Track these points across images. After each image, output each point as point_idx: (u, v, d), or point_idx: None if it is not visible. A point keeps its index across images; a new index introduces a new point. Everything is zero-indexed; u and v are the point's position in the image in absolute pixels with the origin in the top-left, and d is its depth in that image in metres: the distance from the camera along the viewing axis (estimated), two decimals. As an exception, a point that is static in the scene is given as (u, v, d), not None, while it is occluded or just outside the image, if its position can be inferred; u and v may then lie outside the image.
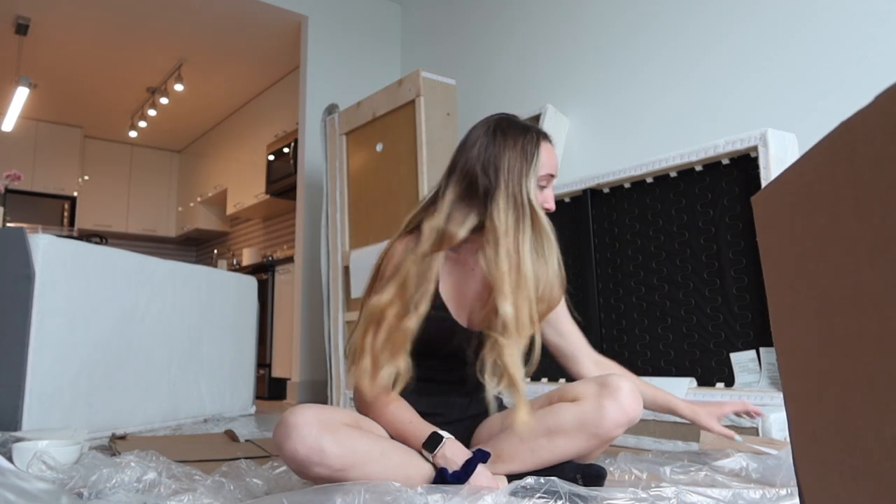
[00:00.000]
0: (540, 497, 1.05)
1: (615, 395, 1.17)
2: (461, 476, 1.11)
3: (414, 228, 1.34)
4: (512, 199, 1.25)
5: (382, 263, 1.32)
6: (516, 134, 1.32)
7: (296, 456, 1.08)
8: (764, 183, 1.93)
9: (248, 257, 5.87)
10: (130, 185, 7.08)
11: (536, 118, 3.14)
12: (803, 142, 2.04)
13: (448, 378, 1.34)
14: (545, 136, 1.36)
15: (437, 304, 1.29)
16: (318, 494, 1.02)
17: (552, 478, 1.08)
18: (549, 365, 2.66)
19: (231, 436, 2.19)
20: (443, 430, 1.33)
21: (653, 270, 2.30)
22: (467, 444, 1.33)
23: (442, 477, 1.12)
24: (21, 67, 5.03)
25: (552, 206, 1.34)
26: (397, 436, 1.21)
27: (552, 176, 1.34)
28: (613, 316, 2.41)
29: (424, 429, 1.18)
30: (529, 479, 1.08)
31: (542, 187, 1.32)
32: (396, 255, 1.29)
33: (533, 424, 1.18)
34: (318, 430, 1.08)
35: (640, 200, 2.36)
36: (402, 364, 1.19)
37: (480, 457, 1.14)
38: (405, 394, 1.36)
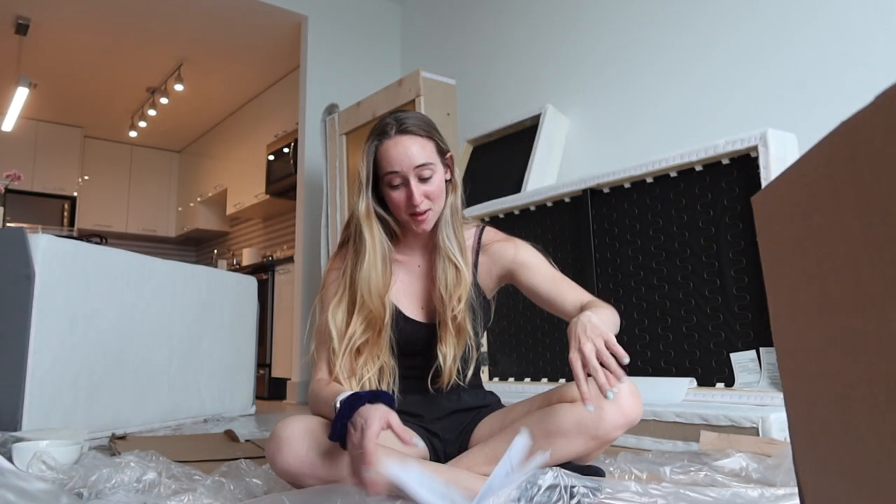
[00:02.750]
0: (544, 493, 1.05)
1: (615, 396, 1.17)
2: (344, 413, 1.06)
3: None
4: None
5: None
6: (366, 141, 1.32)
7: (287, 469, 1.09)
8: (764, 183, 1.93)
9: (248, 257, 5.87)
10: (130, 185, 7.08)
11: (536, 118, 3.14)
12: (803, 142, 2.04)
13: (419, 374, 1.35)
14: (390, 132, 1.28)
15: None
16: (317, 496, 1.02)
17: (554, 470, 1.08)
18: (549, 365, 2.66)
19: (231, 436, 2.19)
20: (432, 427, 1.33)
21: (653, 270, 2.30)
22: (467, 439, 1.34)
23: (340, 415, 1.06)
24: (21, 67, 5.03)
25: (417, 200, 1.26)
26: (325, 409, 1.16)
27: (397, 173, 1.26)
28: (613, 316, 2.41)
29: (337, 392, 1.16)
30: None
31: (396, 187, 1.28)
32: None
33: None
34: (309, 444, 1.09)
35: (640, 200, 2.36)
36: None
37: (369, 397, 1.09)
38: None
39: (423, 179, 1.28)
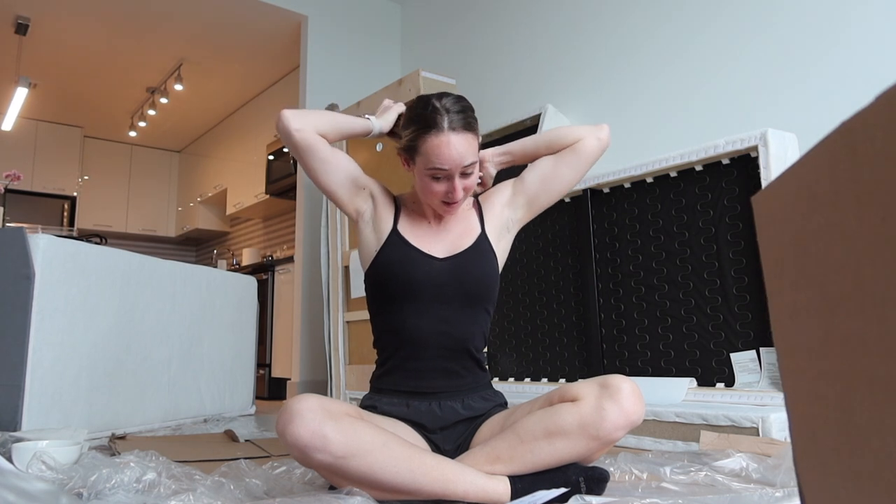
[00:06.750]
0: None
1: (615, 396, 1.16)
2: None
3: None
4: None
5: None
6: (411, 119, 1.35)
7: (298, 441, 1.08)
8: (764, 183, 1.93)
9: (248, 257, 5.87)
10: (130, 185, 7.07)
11: (536, 118, 3.14)
12: (803, 142, 2.04)
13: (420, 325, 1.35)
14: (442, 125, 1.28)
15: (394, 237, 1.39)
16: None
17: None
18: (549, 365, 2.66)
19: (231, 436, 2.19)
20: (434, 437, 1.33)
21: (653, 270, 2.30)
22: (466, 447, 1.33)
23: None
24: (21, 67, 5.02)
25: (459, 196, 1.32)
26: (338, 123, 1.40)
27: (444, 170, 1.29)
28: (613, 316, 2.41)
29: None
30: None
31: (437, 179, 1.31)
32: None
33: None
34: (322, 417, 1.09)
35: (640, 200, 2.36)
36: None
37: None
38: (385, 397, 1.37)
39: (465, 175, 1.32)
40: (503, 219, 1.47)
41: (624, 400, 1.16)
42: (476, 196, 1.52)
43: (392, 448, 1.12)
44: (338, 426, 1.09)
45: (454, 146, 1.27)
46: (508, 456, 1.18)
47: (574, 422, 1.16)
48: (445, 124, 1.27)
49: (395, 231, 1.40)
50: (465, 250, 1.40)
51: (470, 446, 1.31)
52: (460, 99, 1.34)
